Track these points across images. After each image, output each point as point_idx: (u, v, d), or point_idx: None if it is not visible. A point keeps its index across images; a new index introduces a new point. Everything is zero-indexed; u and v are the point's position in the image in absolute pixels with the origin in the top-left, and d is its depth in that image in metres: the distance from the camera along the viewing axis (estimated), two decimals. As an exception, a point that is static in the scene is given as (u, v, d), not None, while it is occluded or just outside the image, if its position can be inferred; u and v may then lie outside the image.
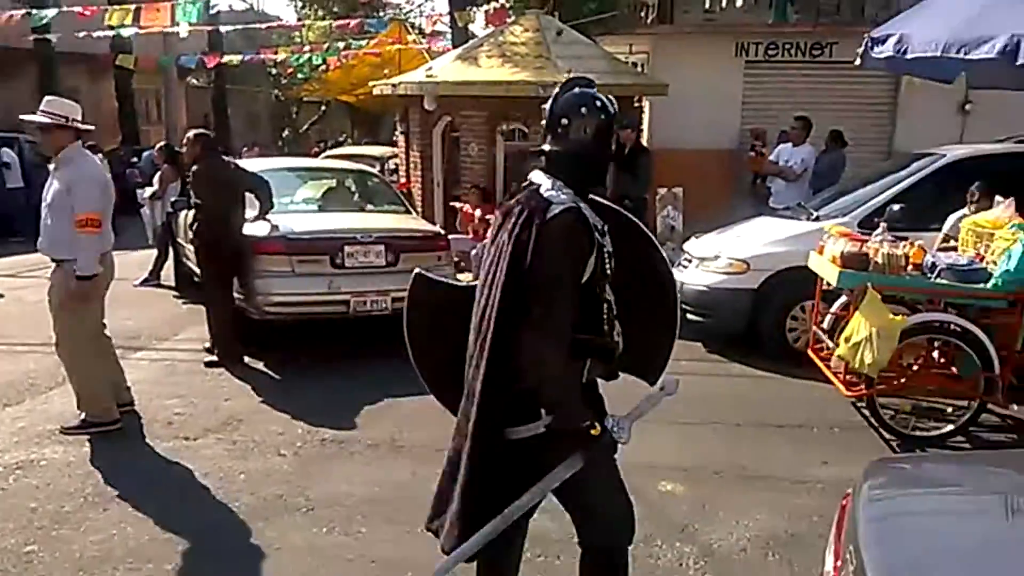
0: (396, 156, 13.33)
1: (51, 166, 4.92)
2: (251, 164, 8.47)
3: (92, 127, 5.11)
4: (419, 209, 9.96)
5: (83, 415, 4.97)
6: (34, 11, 13.29)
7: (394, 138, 13.35)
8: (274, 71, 24.56)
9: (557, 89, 2.50)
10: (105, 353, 5.16)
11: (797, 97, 10.89)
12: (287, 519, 3.94)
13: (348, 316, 6.60)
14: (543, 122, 2.50)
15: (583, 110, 2.42)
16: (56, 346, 4.97)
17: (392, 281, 6.71)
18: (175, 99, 23.92)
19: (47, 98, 4.94)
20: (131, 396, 5.35)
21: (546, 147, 2.49)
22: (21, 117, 5.29)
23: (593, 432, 2.34)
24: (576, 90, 2.47)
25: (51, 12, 13.42)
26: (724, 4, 12.58)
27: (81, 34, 13.98)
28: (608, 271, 2.44)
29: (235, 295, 6.52)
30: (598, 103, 2.43)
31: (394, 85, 10.67)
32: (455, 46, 13.95)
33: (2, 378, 5.95)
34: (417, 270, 2.88)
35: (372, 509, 4.05)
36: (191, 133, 6.82)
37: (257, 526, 3.86)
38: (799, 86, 11.40)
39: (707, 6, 12.86)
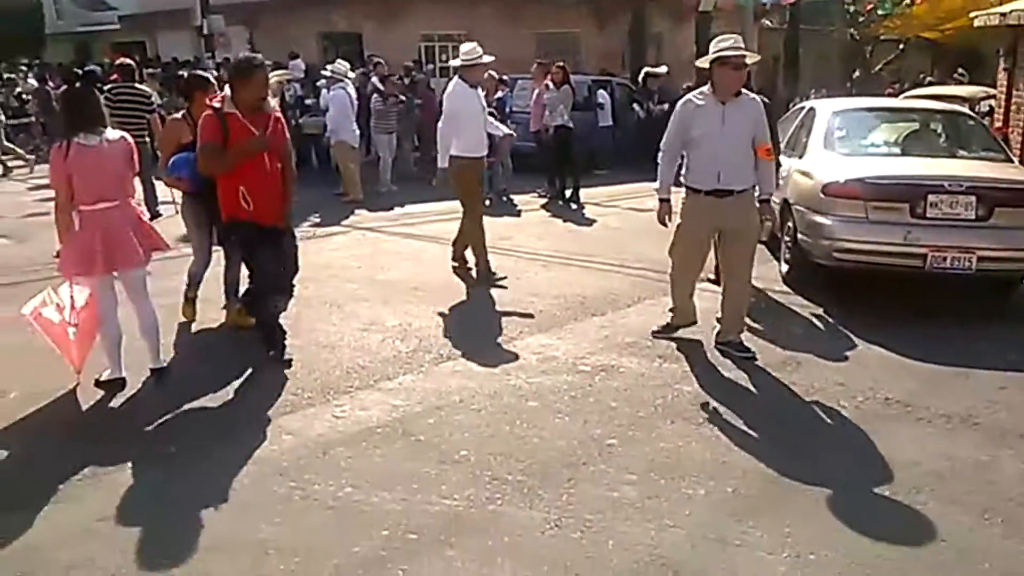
0: (990, 97, 11.65)
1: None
2: (825, 102, 8.23)
3: None
4: (1018, 157, 8.58)
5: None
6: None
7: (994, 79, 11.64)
8: (852, 8, 23.32)
9: None
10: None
11: None
12: (840, 474, 3.80)
13: (922, 272, 6.03)
14: None
15: None
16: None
17: (981, 238, 5.95)
18: (750, 41, 24.22)
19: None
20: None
21: None
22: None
23: None
24: None
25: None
26: None
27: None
28: None
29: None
30: None
31: (1004, 14, 9.23)
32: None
33: (590, 292, 6.80)
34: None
35: (939, 484, 3.69)
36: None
37: (809, 474, 3.80)
38: None
39: None
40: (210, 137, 4.78)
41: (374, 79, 13.15)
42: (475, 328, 5.89)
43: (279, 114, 5.06)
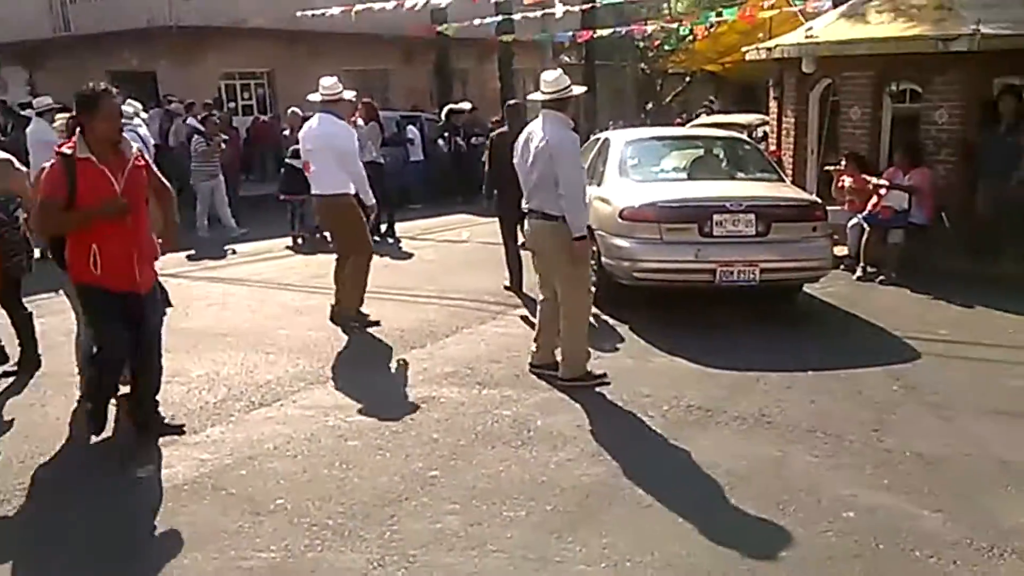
0: (765, 123, 12.81)
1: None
2: (618, 133, 8.74)
3: None
4: (790, 177, 9.46)
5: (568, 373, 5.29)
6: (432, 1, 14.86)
7: (767, 106, 12.80)
8: (641, 44, 24.91)
9: None
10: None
11: None
12: (651, 482, 4.00)
13: (714, 285, 6.50)
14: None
15: None
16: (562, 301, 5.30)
17: (762, 251, 6.51)
18: (549, 76, 25.37)
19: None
20: None
21: None
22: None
23: None
24: None
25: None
26: None
27: (477, 22, 15.34)
28: None
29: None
30: None
31: (769, 49, 10.21)
32: (835, 4, 12.98)
33: (408, 324, 6.79)
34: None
35: (739, 483, 3.96)
36: None
37: (622, 484, 3.96)
38: None
39: None
40: (51, 191, 4.03)
41: (191, 120, 12.52)
42: (289, 371, 5.70)
43: (140, 157, 4.28)
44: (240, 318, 7.18)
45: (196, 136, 11.77)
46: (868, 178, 8.52)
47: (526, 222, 5.51)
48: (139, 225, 4.23)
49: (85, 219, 4.06)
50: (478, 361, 5.83)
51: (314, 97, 6.90)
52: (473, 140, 15.17)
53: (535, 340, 5.59)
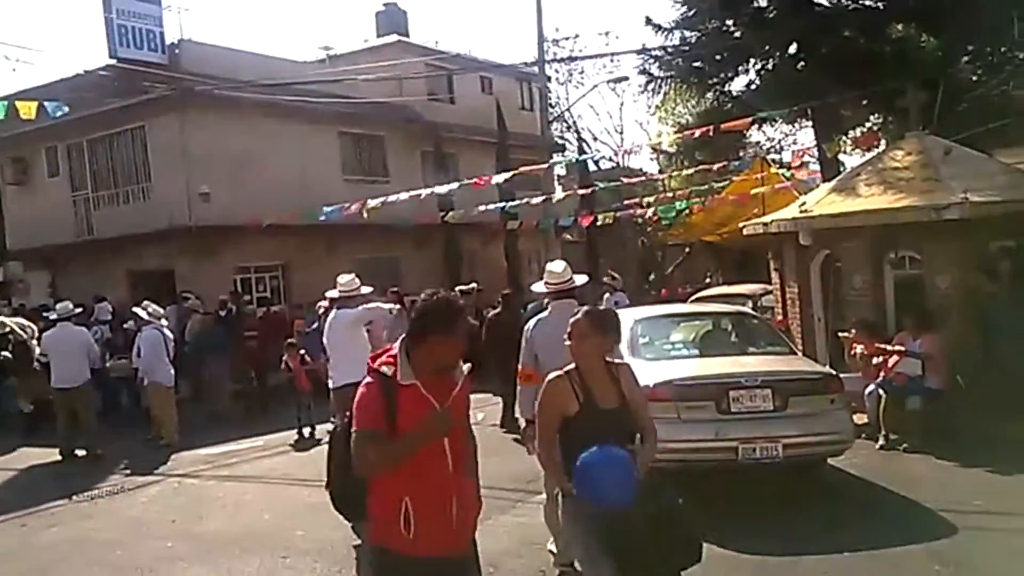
0: (768, 293, 13.04)
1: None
2: (626, 312, 8.86)
3: None
4: (800, 347, 9.53)
5: None
6: (439, 188, 15.64)
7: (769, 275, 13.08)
8: (640, 220, 25.81)
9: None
10: None
11: None
12: None
13: (736, 463, 6.39)
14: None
15: None
16: None
17: (782, 426, 6.44)
18: (554, 254, 26.19)
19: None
20: None
21: None
22: None
23: None
24: None
25: (453, 186, 15.58)
26: None
27: (481, 208, 16.05)
28: None
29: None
30: None
31: (766, 224, 10.58)
32: (825, 178, 13.58)
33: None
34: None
35: None
36: None
37: None
38: None
39: None
40: (369, 421, 3.10)
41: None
42: (307, 576, 5.52)
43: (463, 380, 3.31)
44: (255, 519, 7.02)
45: None
46: (882, 346, 8.57)
47: None
48: (459, 460, 3.22)
49: (412, 446, 3.08)
50: (502, 556, 5.63)
51: (332, 293, 7.10)
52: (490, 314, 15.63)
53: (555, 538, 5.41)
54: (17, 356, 7.58)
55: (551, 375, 3.83)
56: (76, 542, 6.64)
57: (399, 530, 3.06)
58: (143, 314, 10.77)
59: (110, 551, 6.32)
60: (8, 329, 7.89)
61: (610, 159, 34.89)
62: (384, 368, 3.13)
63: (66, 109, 11.92)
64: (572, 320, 3.80)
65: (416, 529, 3.06)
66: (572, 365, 3.77)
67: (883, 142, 14.22)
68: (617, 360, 3.94)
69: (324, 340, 7.21)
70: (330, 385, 6.97)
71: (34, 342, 7.42)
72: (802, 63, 13.79)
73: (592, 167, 29.65)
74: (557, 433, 3.73)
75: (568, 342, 3.79)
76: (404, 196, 14.53)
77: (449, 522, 3.14)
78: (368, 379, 3.16)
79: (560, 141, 29.73)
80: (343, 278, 7.09)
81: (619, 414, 3.73)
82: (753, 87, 14.94)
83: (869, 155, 13.35)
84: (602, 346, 3.80)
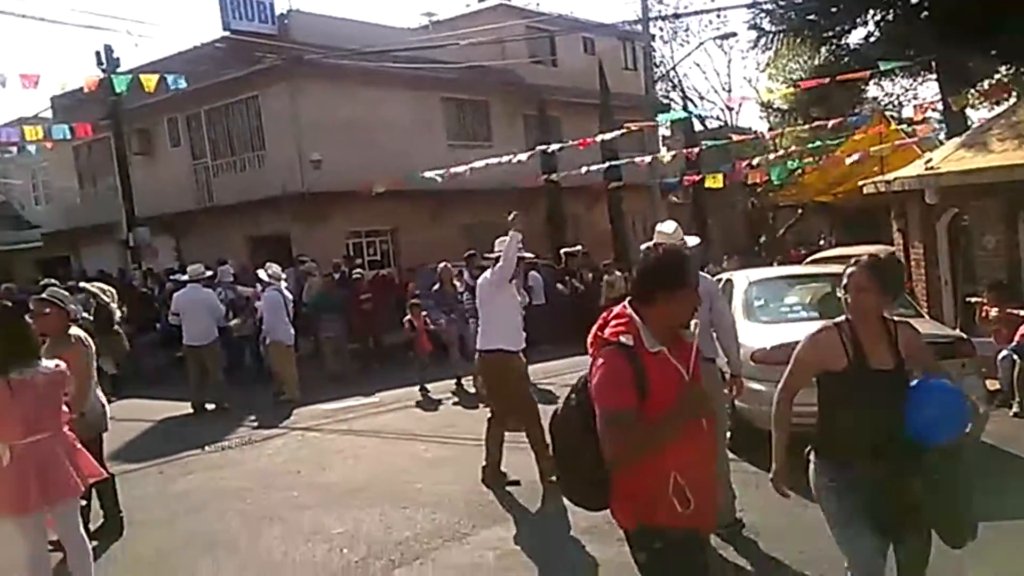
0: (892, 255, 12.49)
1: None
2: (741, 273, 8.67)
3: None
4: (925, 310, 9.11)
5: None
6: (540, 147, 15.60)
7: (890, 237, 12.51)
8: (748, 180, 25.07)
9: None
10: None
11: None
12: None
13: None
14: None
15: None
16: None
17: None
18: (660, 216, 25.76)
19: None
20: None
21: None
22: None
23: None
24: None
25: (556, 146, 15.51)
26: None
27: (584, 170, 15.94)
28: None
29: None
30: None
31: (888, 182, 10.11)
32: (950, 134, 12.85)
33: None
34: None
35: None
36: None
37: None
38: None
39: None
40: (616, 400, 2.74)
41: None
42: (426, 528, 5.70)
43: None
44: (375, 472, 7.28)
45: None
46: (1016, 311, 8.09)
47: None
48: (712, 425, 2.94)
49: (671, 429, 2.76)
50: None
51: (491, 255, 6.95)
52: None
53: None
54: (100, 319, 7.99)
55: (819, 324, 3.46)
56: (209, 490, 7.05)
57: (674, 505, 2.74)
58: (264, 275, 11.25)
59: (241, 499, 6.68)
60: (91, 292, 8.31)
61: (717, 118, 33.99)
62: (621, 337, 2.77)
63: (184, 82, 12.48)
64: (848, 271, 3.36)
65: (695, 501, 2.75)
66: (842, 317, 3.38)
67: (1014, 94, 13.33)
68: (897, 318, 3.43)
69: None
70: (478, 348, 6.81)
71: (114, 305, 7.81)
72: (925, 12, 13.01)
73: (698, 126, 28.93)
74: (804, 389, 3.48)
75: (843, 294, 3.36)
76: (507, 159, 14.55)
77: (714, 491, 3.03)
78: (608, 350, 2.79)
79: (665, 101, 29.01)
80: (499, 243, 6.88)
81: (892, 378, 3.27)
82: (872, 39, 14.21)
83: (999, 108, 12.55)
84: (880, 302, 3.32)
